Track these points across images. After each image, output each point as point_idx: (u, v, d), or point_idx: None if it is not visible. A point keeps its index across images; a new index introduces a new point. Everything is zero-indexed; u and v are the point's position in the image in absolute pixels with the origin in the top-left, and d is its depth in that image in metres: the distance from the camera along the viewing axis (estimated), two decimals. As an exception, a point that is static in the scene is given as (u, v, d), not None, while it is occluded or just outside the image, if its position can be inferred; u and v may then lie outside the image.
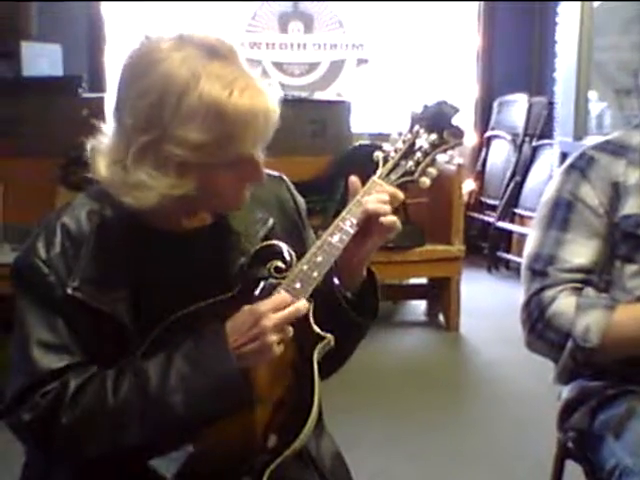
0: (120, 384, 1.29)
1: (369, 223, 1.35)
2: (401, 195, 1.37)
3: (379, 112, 6.05)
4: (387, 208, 1.35)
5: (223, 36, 1.31)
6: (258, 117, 1.27)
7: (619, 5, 5.21)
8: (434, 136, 1.41)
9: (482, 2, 6.28)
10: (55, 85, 4.46)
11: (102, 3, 5.73)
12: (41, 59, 4.92)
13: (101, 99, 4.14)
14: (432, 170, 1.40)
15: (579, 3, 5.13)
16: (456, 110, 1.42)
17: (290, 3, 6.11)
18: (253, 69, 1.31)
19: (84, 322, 1.34)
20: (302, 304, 1.30)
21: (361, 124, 5.43)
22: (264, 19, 6.10)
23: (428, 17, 6.22)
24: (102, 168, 1.31)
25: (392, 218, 1.35)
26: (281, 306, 1.28)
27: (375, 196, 1.36)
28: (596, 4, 5.19)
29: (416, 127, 1.41)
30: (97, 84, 5.50)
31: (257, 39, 6.07)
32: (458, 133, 1.41)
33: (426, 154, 1.40)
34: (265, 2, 6.08)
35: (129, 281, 1.37)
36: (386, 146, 1.40)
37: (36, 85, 4.42)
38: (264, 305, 1.28)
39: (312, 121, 4.52)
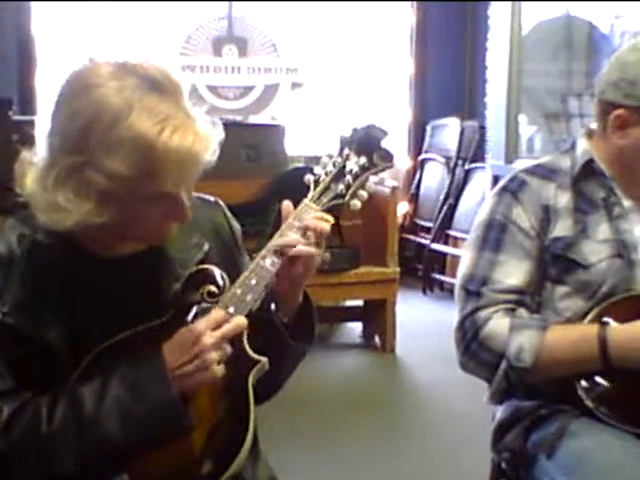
0: (54, 411, 1.27)
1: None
2: (326, 226, 1.36)
3: (314, 135, 6.08)
4: (295, 239, 1.34)
5: (172, 70, 1.29)
6: (185, 159, 1.25)
7: (548, 33, 5.35)
8: (364, 159, 1.41)
9: (414, 28, 6.36)
10: (-16, 108, 4.38)
11: (32, 24, 5.65)
12: (-31, 81, 4.82)
13: (32, 122, 4.07)
14: (363, 193, 1.41)
15: (508, 29, 5.24)
16: (385, 133, 1.43)
17: (224, 27, 6.11)
18: (196, 108, 1.29)
19: (15, 348, 1.31)
20: (241, 319, 1.29)
21: (296, 147, 5.45)
22: (198, 42, 6.09)
23: (361, 42, 6.28)
24: (27, 181, 1.29)
25: (303, 249, 1.34)
26: (219, 323, 1.28)
27: (290, 228, 1.35)
28: (525, 31, 5.31)
29: (346, 150, 1.42)
30: (27, 107, 5.42)
31: (191, 62, 6.05)
32: (387, 156, 1.43)
33: (356, 177, 1.41)
34: (199, 26, 6.07)
35: (62, 307, 1.34)
36: (317, 169, 1.41)
37: (-36, 108, 4.34)
38: (202, 323, 1.27)
39: (246, 145, 4.52)
